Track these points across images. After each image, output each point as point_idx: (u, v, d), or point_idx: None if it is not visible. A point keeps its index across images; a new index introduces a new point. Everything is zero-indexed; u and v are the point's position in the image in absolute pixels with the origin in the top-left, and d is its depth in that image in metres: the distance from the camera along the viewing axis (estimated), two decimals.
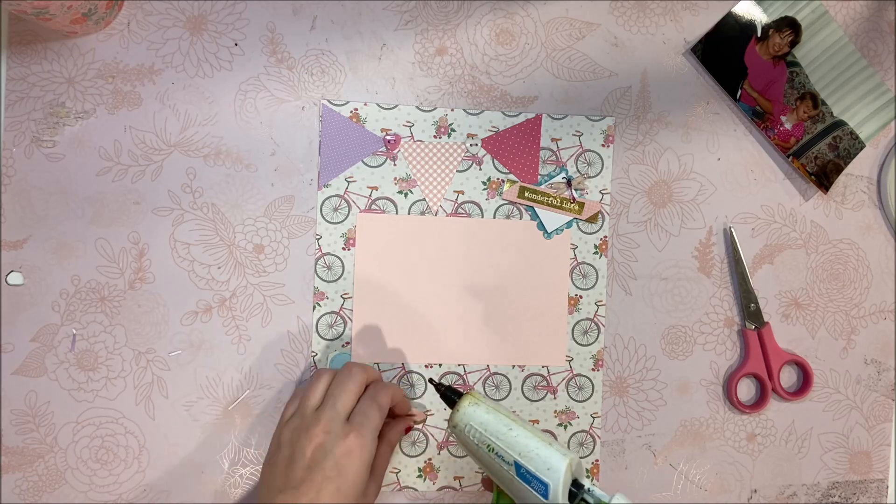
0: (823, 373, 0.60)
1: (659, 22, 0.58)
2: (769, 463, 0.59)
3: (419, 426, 0.55)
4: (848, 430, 0.60)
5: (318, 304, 0.55)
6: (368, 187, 0.55)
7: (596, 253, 0.57)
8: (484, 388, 0.56)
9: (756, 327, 0.58)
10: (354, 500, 0.45)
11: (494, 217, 0.56)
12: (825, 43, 0.59)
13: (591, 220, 0.57)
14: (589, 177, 0.57)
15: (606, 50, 0.57)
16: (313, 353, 0.55)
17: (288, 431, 0.47)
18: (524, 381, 0.57)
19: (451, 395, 0.46)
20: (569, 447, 0.57)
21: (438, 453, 0.56)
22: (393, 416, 0.53)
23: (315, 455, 0.45)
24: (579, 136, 0.57)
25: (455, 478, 0.56)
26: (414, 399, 0.56)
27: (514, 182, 0.56)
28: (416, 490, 0.56)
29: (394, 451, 0.54)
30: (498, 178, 0.56)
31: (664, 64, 0.58)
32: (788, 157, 0.59)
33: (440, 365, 0.56)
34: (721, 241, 0.59)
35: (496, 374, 0.56)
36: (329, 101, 0.55)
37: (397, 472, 0.56)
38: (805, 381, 0.59)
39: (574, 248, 0.57)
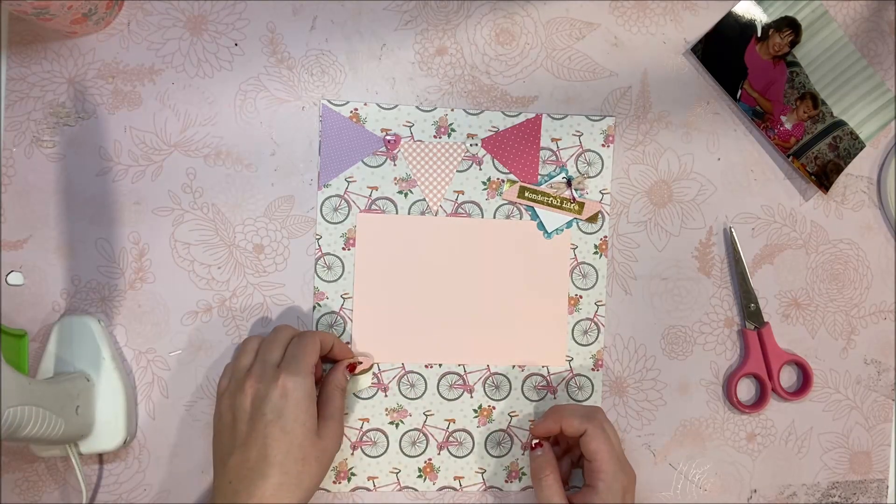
0: (823, 373, 0.60)
1: (659, 22, 0.58)
2: (769, 463, 0.59)
3: (367, 369, 0.55)
4: (848, 430, 0.60)
5: (318, 304, 0.55)
6: (368, 187, 0.55)
7: (596, 253, 0.57)
8: (484, 388, 0.56)
9: (756, 327, 0.58)
10: (304, 437, 0.45)
11: (494, 217, 0.56)
12: (825, 43, 0.59)
13: (591, 220, 0.57)
14: (589, 177, 0.57)
15: (606, 50, 0.57)
16: None
17: (225, 399, 0.48)
18: (524, 381, 0.57)
19: None
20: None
21: (438, 453, 0.56)
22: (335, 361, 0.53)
23: (253, 406, 0.46)
24: (579, 136, 0.57)
25: (455, 478, 0.56)
26: (414, 399, 0.56)
27: (514, 182, 0.56)
28: (415, 490, 0.56)
29: (345, 392, 0.52)
30: (498, 178, 0.56)
31: (664, 64, 0.58)
32: (788, 157, 0.59)
33: (440, 365, 0.56)
34: (721, 241, 0.59)
35: (496, 374, 0.56)
36: (329, 101, 0.55)
37: (397, 473, 0.56)
38: (805, 381, 0.59)
39: (574, 248, 0.57)
